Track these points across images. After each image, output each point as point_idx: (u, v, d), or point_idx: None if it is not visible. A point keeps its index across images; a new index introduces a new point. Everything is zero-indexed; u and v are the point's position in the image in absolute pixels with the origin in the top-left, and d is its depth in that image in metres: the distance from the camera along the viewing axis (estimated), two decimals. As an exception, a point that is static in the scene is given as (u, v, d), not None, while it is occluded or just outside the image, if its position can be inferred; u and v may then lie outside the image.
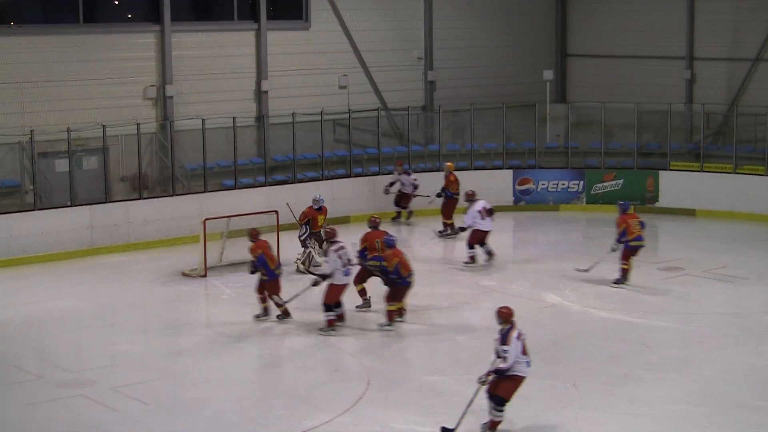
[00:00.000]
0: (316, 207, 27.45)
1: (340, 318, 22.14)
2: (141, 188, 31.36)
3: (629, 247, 25.21)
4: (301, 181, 32.91)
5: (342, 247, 22.22)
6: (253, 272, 22.87)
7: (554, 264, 27.85)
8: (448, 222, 30.55)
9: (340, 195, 32.76)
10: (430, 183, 32.60)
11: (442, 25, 38.10)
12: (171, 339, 22.62)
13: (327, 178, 33.39)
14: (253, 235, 23.25)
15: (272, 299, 22.78)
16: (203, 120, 31.79)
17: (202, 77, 33.86)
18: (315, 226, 27.18)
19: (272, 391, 19.30)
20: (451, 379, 19.10)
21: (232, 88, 34.36)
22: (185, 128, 32.68)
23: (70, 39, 32.00)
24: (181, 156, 32.75)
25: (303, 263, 27.01)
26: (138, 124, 31.18)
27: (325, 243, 24.25)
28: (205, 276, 26.89)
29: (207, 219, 27.42)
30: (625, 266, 25.25)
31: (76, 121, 30.57)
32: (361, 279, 23.47)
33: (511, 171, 34.17)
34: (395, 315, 22.15)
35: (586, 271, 25.89)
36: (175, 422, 17.52)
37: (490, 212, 27.28)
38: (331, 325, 21.79)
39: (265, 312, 22.89)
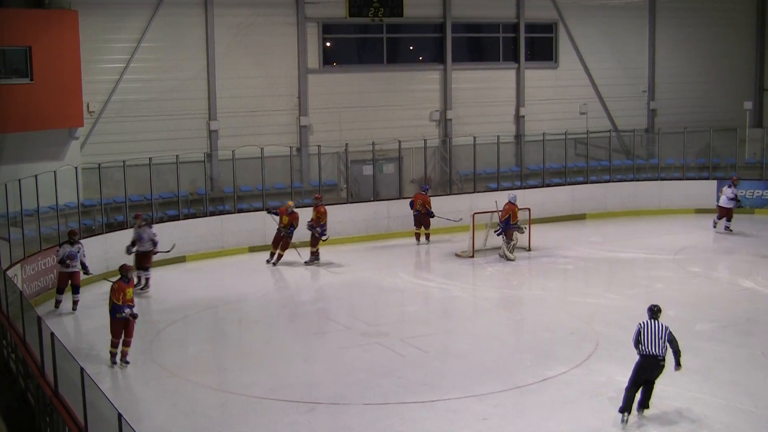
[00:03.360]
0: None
1: None
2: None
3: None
4: (549, 185, 32.65)
5: None
6: None
7: (749, 256, 26.79)
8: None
9: (580, 197, 32.44)
10: (650, 190, 32.12)
11: (662, 64, 37.24)
12: (446, 304, 22.87)
13: (569, 184, 32.97)
14: None
15: None
16: (474, 137, 31.90)
17: (474, 104, 34.04)
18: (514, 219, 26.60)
19: (522, 346, 19.30)
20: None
21: (496, 113, 34.39)
22: (461, 143, 32.80)
23: (377, 75, 32.71)
24: (457, 164, 33.01)
25: (509, 251, 26.55)
26: (425, 140, 31.69)
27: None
28: (472, 257, 26.90)
29: (475, 213, 27.42)
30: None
31: (379, 137, 31.23)
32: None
33: (716, 181, 32.92)
34: None
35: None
36: (448, 365, 17.76)
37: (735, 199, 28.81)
38: None
39: None
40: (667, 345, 14.43)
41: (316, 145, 30.37)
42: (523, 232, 26.87)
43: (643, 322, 14.62)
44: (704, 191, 32.86)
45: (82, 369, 11.91)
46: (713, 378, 16.61)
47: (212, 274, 25.55)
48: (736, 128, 35.06)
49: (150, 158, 27.07)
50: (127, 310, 17.66)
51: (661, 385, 14.89)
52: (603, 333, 19.36)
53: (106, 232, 25.66)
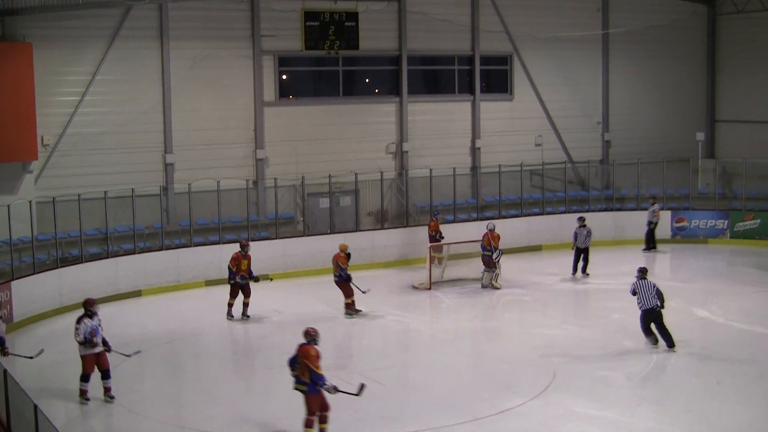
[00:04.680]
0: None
1: None
2: (383, 221, 31.83)
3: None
4: (504, 217, 32.72)
5: None
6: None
7: (703, 285, 27.13)
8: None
9: (536, 228, 32.66)
10: (605, 221, 32.58)
11: (615, 95, 37.58)
12: (403, 336, 22.92)
13: (525, 215, 33.15)
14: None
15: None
16: (430, 170, 32.05)
17: (430, 136, 34.06)
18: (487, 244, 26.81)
19: (479, 378, 19.37)
20: (619, 374, 18.91)
21: (452, 145, 34.43)
22: (417, 176, 32.80)
23: (333, 108, 32.72)
24: (414, 197, 32.94)
25: (494, 280, 26.81)
26: (381, 172, 31.64)
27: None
28: (430, 289, 26.94)
29: (432, 245, 27.52)
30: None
31: (336, 170, 31.15)
32: None
33: (669, 212, 33.45)
34: None
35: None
36: (406, 398, 17.79)
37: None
38: None
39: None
40: (656, 297, 19.95)
41: (272, 178, 30.43)
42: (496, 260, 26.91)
43: (637, 282, 20.15)
44: (660, 222, 32.90)
45: (35, 406, 11.85)
46: (670, 407, 16.81)
47: (169, 309, 25.43)
48: (689, 159, 35.59)
49: (105, 192, 26.97)
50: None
51: (618, 415, 15.02)
52: (560, 364, 19.47)
53: (61, 267, 25.52)
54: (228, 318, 23.88)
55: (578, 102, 37.12)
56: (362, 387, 15.19)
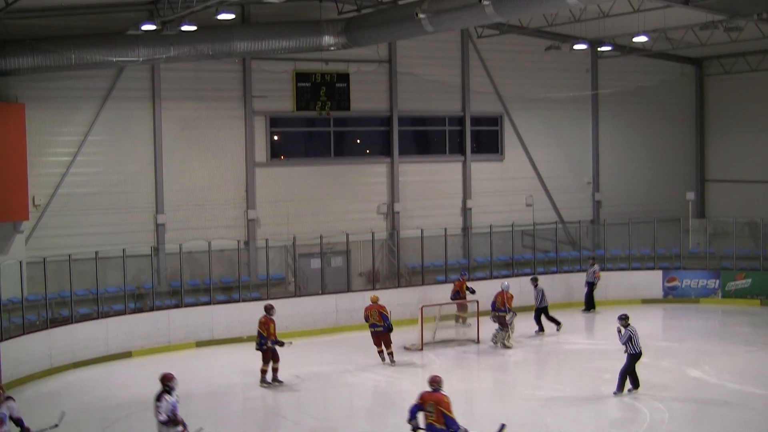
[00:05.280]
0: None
1: None
2: (374, 281, 31.90)
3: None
4: (496, 277, 32.54)
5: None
6: None
7: (696, 345, 27.16)
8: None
9: (527, 289, 32.58)
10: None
11: (605, 155, 37.83)
12: (395, 397, 22.83)
13: (516, 276, 32.99)
14: None
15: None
16: (422, 230, 32.11)
17: (421, 197, 34.15)
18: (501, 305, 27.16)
19: None
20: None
21: (444, 206, 34.56)
22: (408, 236, 32.87)
23: (324, 168, 32.80)
24: (405, 257, 33.00)
25: (506, 340, 26.92)
26: (372, 233, 31.68)
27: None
28: (421, 350, 26.83)
29: (424, 306, 27.44)
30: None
31: (327, 230, 31.27)
32: None
33: (661, 271, 33.63)
34: None
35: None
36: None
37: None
38: None
39: None
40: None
41: (263, 239, 30.40)
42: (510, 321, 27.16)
43: (631, 328, 21.21)
44: (650, 281, 33.42)
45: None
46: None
47: (159, 370, 25.07)
48: (679, 219, 35.77)
49: (96, 252, 26.93)
50: None
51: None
52: (552, 425, 19.45)
53: (51, 328, 25.44)
54: (263, 385, 23.41)
55: (569, 162, 37.34)
56: (502, 427, 15.39)
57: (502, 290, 27.31)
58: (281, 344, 23.43)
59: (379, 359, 25.29)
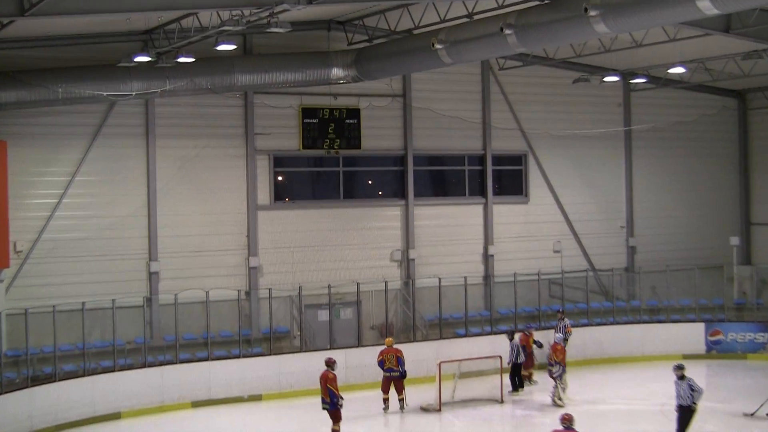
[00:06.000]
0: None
1: None
2: (387, 335, 30.79)
3: None
4: (521, 330, 31.67)
5: None
6: None
7: (743, 406, 25.85)
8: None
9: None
10: (631, 333, 31.81)
11: (640, 197, 37.65)
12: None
13: (543, 329, 32.12)
14: None
15: None
16: (439, 279, 31.55)
17: (438, 242, 33.83)
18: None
19: None
20: None
21: (463, 252, 34.23)
22: (425, 285, 32.51)
23: (332, 212, 32.58)
24: (421, 308, 32.62)
25: (556, 397, 26.54)
26: (386, 282, 31.19)
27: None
28: (439, 410, 26.12)
29: (442, 362, 26.90)
30: None
31: (336, 279, 30.88)
32: None
33: (703, 324, 32.92)
34: None
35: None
36: None
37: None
38: None
39: None
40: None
41: (266, 288, 29.83)
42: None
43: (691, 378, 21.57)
44: (691, 335, 32.64)
45: None
46: None
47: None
48: (722, 266, 35.32)
49: (83, 303, 26.43)
50: None
51: None
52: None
53: (32, 386, 24.74)
54: None
55: (600, 204, 37.07)
56: None
57: (555, 341, 27.34)
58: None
59: (382, 409, 25.62)
